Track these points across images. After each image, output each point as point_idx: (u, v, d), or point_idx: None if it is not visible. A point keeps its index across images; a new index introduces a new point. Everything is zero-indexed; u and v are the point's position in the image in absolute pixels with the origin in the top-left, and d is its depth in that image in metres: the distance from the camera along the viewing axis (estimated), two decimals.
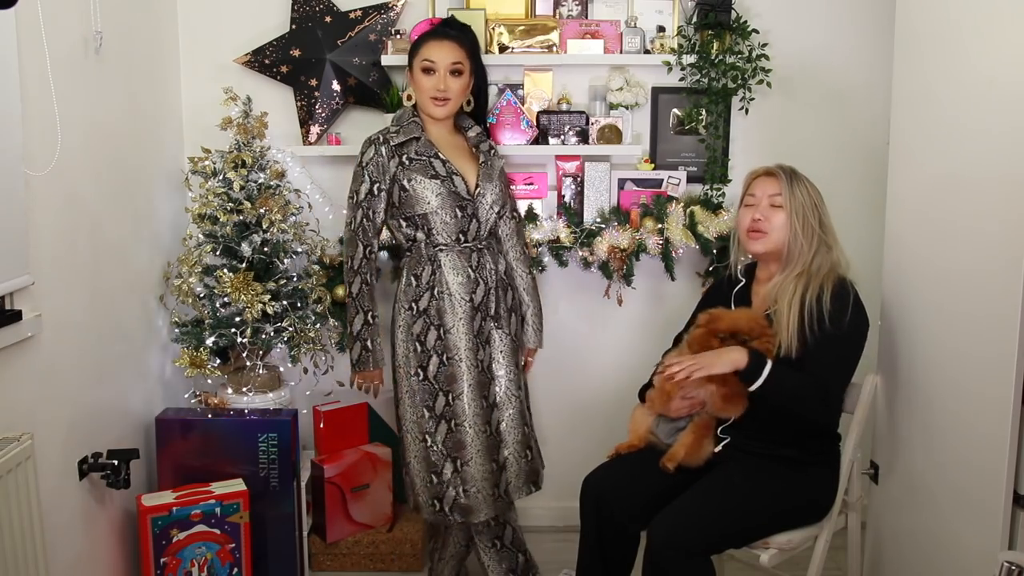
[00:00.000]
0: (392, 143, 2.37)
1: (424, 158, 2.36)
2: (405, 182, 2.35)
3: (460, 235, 2.38)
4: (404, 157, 2.36)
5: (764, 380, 2.01)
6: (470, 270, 2.38)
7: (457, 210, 2.36)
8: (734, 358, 2.02)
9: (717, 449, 2.15)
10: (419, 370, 2.38)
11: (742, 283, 2.29)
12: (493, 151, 2.50)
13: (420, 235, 2.38)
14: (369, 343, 2.39)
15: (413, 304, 2.39)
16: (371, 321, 2.39)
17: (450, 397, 2.36)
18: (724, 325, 2.11)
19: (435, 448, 2.37)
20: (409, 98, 2.47)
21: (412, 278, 2.40)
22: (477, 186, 2.39)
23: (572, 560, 2.29)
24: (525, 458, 2.45)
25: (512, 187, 2.74)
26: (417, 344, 2.38)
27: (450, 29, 2.45)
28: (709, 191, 2.90)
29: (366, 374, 2.43)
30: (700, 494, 2.05)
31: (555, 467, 3.03)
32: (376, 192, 2.37)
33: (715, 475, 2.10)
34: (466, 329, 2.37)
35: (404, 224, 2.40)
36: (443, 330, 2.36)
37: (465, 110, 2.51)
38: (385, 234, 2.76)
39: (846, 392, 2.18)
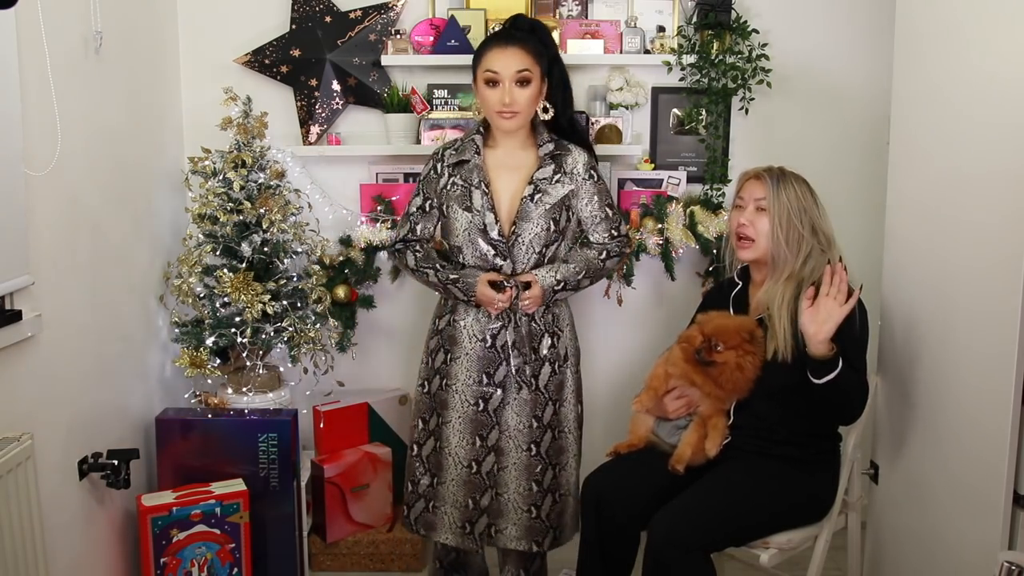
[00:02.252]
0: (447, 161, 2.29)
1: (467, 186, 2.25)
2: (445, 208, 2.29)
3: (492, 271, 2.25)
4: (451, 180, 2.27)
5: (839, 370, 1.96)
6: (493, 313, 2.26)
7: (488, 247, 2.23)
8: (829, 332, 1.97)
9: (727, 440, 2.14)
10: (424, 383, 2.36)
11: (739, 286, 2.28)
12: (558, 176, 2.25)
13: (458, 261, 2.30)
14: (453, 274, 2.25)
15: (437, 320, 2.37)
16: (440, 268, 2.28)
17: (440, 420, 2.32)
18: (709, 329, 2.09)
19: (420, 459, 2.35)
20: (479, 112, 2.29)
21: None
22: (514, 224, 2.23)
23: (572, 560, 2.29)
24: (528, 513, 2.29)
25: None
26: (429, 359, 2.36)
27: (515, 31, 2.23)
28: (709, 191, 2.90)
29: (480, 293, 2.21)
30: (701, 491, 2.05)
31: None
32: (428, 209, 2.33)
33: (716, 473, 2.10)
34: (472, 365, 2.27)
35: (448, 247, 2.35)
36: (450, 356, 2.30)
37: (543, 117, 2.28)
38: (387, 235, 2.77)
39: None
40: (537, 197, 2.24)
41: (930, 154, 2.05)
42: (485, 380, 2.27)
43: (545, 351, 2.29)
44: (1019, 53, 1.69)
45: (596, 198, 2.30)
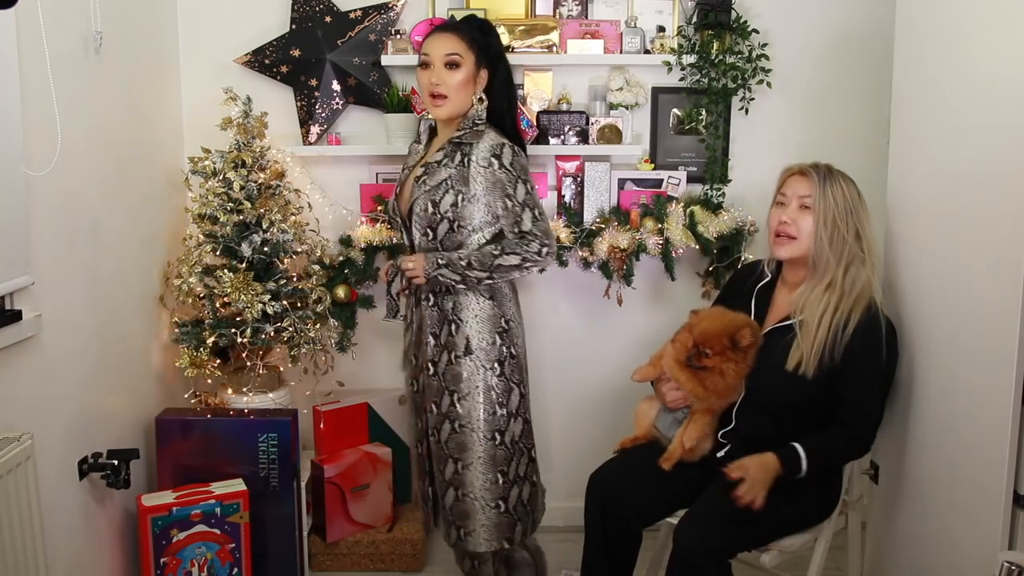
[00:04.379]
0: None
1: (404, 169, 2.39)
2: None
3: (409, 251, 2.34)
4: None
5: (807, 468, 2.00)
6: (405, 292, 2.37)
7: (399, 226, 2.37)
8: (770, 468, 1.98)
9: (720, 454, 2.13)
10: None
11: (767, 279, 2.22)
12: (447, 160, 2.21)
13: None
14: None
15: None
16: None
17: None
18: (696, 334, 2.09)
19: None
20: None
21: None
22: (411, 204, 2.25)
23: (573, 560, 2.29)
24: (440, 502, 2.34)
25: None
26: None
27: (456, 21, 2.34)
28: (709, 191, 2.90)
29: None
30: (721, 496, 2.02)
31: (557, 467, 3.04)
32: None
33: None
34: (406, 349, 2.41)
35: None
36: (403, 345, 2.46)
37: (477, 106, 2.27)
38: (382, 236, 2.76)
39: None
40: (423, 179, 2.24)
41: (930, 154, 2.05)
42: (414, 362, 2.37)
43: (444, 339, 2.27)
44: (1019, 52, 1.69)
45: (494, 189, 2.20)
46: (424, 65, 2.25)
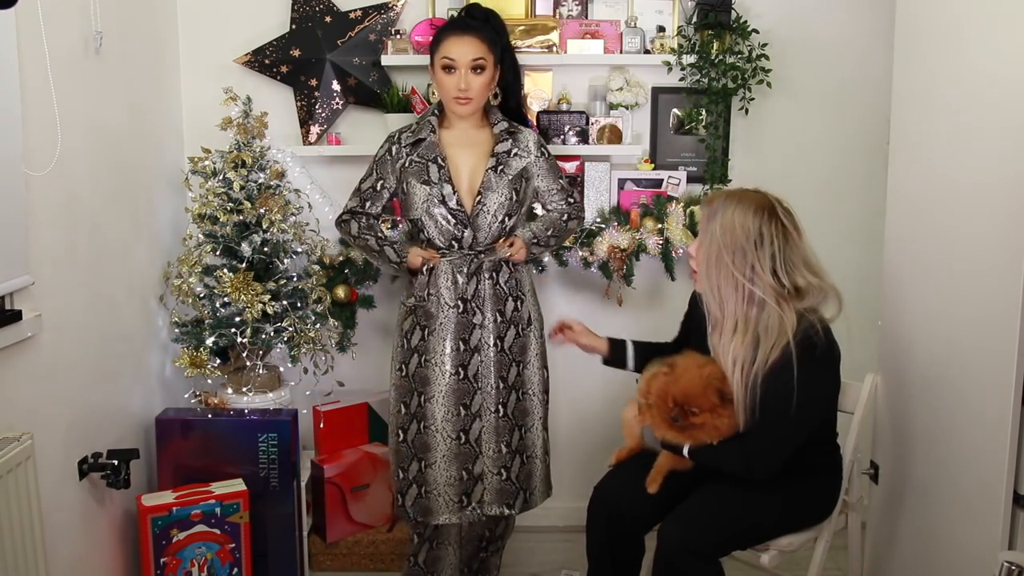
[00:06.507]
0: (404, 143, 2.38)
1: (423, 161, 2.34)
2: (405, 184, 2.37)
3: (454, 242, 2.34)
4: (409, 159, 2.36)
5: (687, 450, 1.97)
6: (462, 277, 2.34)
7: (450, 217, 2.32)
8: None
9: None
10: (402, 366, 2.38)
11: None
12: (516, 151, 2.38)
13: (423, 236, 2.38)
14: (389, 241, 2.41)
15: (409, 300, 2.40)
16: (381, 234, 2.44)
17: (422, 399, 2.34)
18: (677, 392, 1.95)
19: (405, 444, 2.37)
20: (434, 94, 2.43)
21: (413, 275, 2.40)
22: (478, 194, 2.33)
23: (572, 560, 2.29)
24: (499, 476, 2.36)
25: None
26: (404, 340, 2.39)
27: (472, 20, 2.37)
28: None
29: (411, 258, 2.35)
30: (709, 496, 2.03)
31: (557, 468, 3.03)
32: (378, 189, 2.41)
33: (722, 477, 2.09)
34: (448, 334, 2.33)
35: (410, 225, 2.42)
36: (427, 331, 2.35)
37: (492, 103, 2.42)
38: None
39: (792, 446, 1.95)
40: (500, 169, 2.35)
41: (930, 154, 2.05)
42: (462, 347, 2.33)
43: (509, 314, 2.38)
44: (1019, 53, 1.69)
45: (550, 173, 2.45)
46: (448, 69, 2.30)
